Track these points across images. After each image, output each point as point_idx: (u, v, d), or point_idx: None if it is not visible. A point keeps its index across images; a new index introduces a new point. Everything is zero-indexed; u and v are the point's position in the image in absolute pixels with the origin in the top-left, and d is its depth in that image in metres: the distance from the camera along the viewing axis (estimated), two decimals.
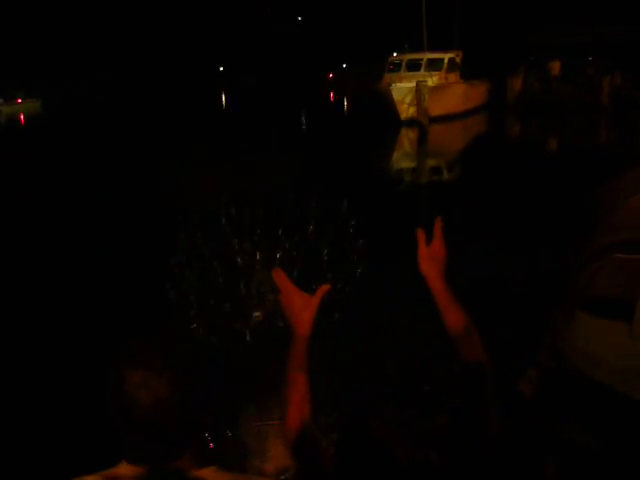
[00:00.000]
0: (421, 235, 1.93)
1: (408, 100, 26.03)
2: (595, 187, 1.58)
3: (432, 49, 30.26)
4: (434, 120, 26.27)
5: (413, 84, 25.97)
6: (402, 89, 26.05)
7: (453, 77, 29.38)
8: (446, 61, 28.92)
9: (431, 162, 20.24)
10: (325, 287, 1.89)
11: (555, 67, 33.33)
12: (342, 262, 7.64)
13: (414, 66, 28.64)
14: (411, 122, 26.09)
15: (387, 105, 26.85)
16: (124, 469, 1.48)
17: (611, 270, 1.39)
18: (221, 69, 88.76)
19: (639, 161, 1.53)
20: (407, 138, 24.89)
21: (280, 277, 1.90)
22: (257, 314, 6.84)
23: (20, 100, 59.13)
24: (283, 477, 4.29)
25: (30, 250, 10.33)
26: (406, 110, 26.23)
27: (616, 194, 1.52)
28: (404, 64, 29.19)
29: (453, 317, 1.83)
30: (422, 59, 28.91)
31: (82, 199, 14.63)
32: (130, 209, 13.19)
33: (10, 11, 68.45)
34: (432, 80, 27.16)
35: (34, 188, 16.51)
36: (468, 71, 30.96)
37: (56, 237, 11.13)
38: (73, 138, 29.99)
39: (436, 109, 26.47)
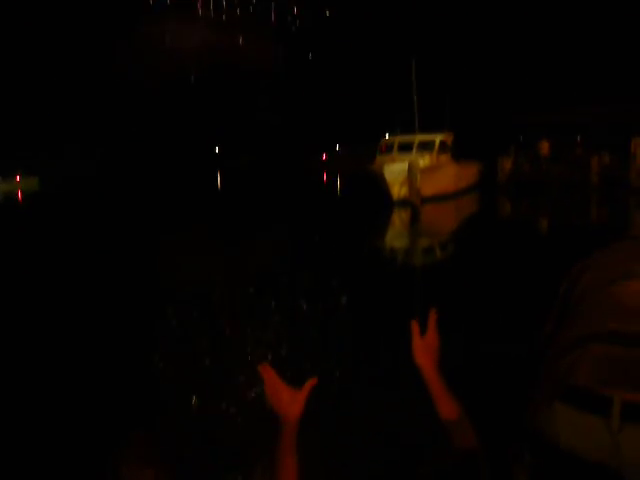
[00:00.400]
0: (415, 327, 1.95)
1: (400, 181, 26.38)
2: (568, 267, 1.57)
3: (423, 131, 30.87)
4: (426, 200, 26.55)
5: (405, 165, 26.35)
6: (394, 170, 26.44)
7: (444, 158, 29.84)
8: (437, 142, 29.41)
9: (424, 242, 20.35)
10: (312, 381, 1.90)
11: (544, 147, 33.98)
12: (334, 346, 7.60)
13: (406, 147, 29.10)
14: (404, 202, 26.36)
15: (380, 186, 27.20)
16: None
17: (591, 361, 1.38)
18: (217, 150, 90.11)
19: (623, 239, 1.52)
20: (400, 218, 25.10)
21: (268, 373, 1.91)
22: (248, 394, 6.76)
23: (18, 178, 59.74)
24: None
25: (22, 333, 10.25)
26: (398, 191, 26.55)
27: (596, 276, 1.50)
28: (396, 145, 29.66)
29: (446, 406, 1.85)
30: (414, 141, 29.41)
31: (75, 277, 14.61)
32: (124, 288, 13.17)
33: (10, 89, 69.77)
34: (424, 161, 27.61)
35: (25, 267, 16.51)
36: (459, 152, 31.49)
37: (47, 314, 11.07)
38: (69, 216, 30.22)
39: (428, 189, 26.80)
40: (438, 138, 29.70)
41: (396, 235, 22.21)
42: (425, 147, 28.95)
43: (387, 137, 32.75)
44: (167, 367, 7.23)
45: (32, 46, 65.50)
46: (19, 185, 57.70)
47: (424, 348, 1.93)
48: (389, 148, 29.99)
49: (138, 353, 8.17)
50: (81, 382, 7.76)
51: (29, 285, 14.06)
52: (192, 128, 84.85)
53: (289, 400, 1.86)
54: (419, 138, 29.64)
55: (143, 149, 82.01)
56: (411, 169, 26.14)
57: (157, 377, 7.02)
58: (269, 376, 1.91)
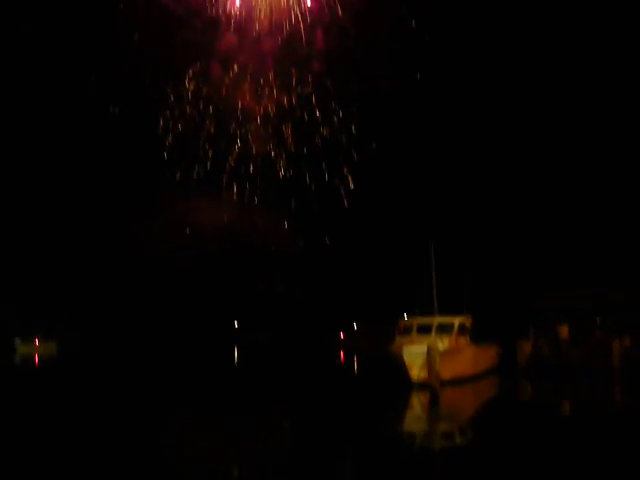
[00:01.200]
0: None
1: (419, 363, 26.24)
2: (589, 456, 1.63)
3: (442, 312, 31.08)
4: (445, 383, 26.26)
5: (424, 348, 26.34)
6: (413, 352, 26.41)
7: (463, 341, 29.84)
8: (456, 325, 29.52)
9: (443, 426, 19.98)
10: None
11: (563, 331, 33.88)
12: None
13: (425, 329, 29.16)
14: (422, 385, 26.09)
15: (398, 367, 27.04)
16: None
17: None
18: (236, 325, 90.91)
19: None
20: (418, 401, 24.75)
21: None
22: None
23: (37, 341, 60.09)
24: None
25: None
26: (417, 373, 26.33)
27: None
28: (415, 327, 29.73)
29: None
30: (433, 323, 29.51)
31: (78, 448, 14.42)
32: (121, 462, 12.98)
33: (34, 255, 71.53)
34: (443, 344, 27.64)
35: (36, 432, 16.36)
36: (478, 334, 31.51)
37: None
38: (82, 384, 30.18)
39: (447, 372, 26.57)
40: (457, 320, 29.85)
41: (415, 418, 21.82)
42: (444, 329, 29.03)
43: (406, 318, 32.99)
44: None
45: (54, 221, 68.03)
46: (37, 349, 57.98)
47: None
48: (408, 329, 30.08)
49: None
50: None
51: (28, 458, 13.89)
52: (212, 302, 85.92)
53: None
54: (438, 320, 29.78)
55: (163, 320, 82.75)
56: (430, 352, 26.10)
57: None
58: None
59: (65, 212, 66.84)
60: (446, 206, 51.32)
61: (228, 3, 31.75)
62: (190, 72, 36.55)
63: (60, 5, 36.95)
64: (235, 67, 36.33)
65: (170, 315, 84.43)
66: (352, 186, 40.31)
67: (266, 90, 36.22)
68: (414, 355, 26.43)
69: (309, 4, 31.31)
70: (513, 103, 49.21)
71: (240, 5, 31.59)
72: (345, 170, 39.71)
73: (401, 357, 26.68)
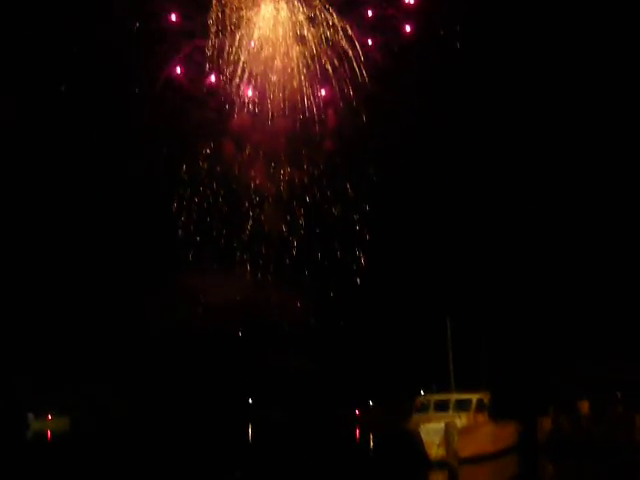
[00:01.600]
0: None
1: (437, 441, 25.69)
2: None
3: (459, 388, 30.66)
4: (464, 462, 25.68)
5: (442, 425, 25.87)
6: (431, 430, 25.91)
7: (482, 418, 29.32)
8: (474, 402, 29.06)
9: None
10: None
11: (584, 406, 33.24)
12: None
13: (442, 407, 28.73)
14: (441, 464, 25.52)
15: (415, 445, 26.50)
16: None
17: None
18: (250, 401, 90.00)
19: None
20: None
21: None
22: None
23: (50, 417, 59.65)
24: None
25: None
26: (435, 451, 25.77)
27: None
28: (432, 404, 29.29)
29: None
30: (450, 400, 29.10)
31: None
32: None
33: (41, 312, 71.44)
34: (461, 421, 27.15)
35: None
36: (497, 411, 30.97)
37: None
38: (93, 462, 29.93)
39: (466, 450, 25.99)
40: (475, 397, 29.40)
41: None
42: (462, 406, 28.57)
43: (422, 394, 32.57)
44: None
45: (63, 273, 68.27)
46: (50, 424, 57.53)
47: None
48: (425, 406, 29.65)
49: None
50: None
51: None
52: (226, 378, 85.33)
53: None
54: (455, 397, 29.37)
55: (176, 395, 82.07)
56: (448, 429, 25.61)
57: None
58: None
59: (83, 287, 67.24)
60: (462, 281, 51.18)
61: (242, 87, 32.72)
62: (204, 151, 37.36)
63: (76, 85, 37.96)
64: (248, 146, 37.15)
65: (184, 391, 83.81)
66: (364, 263, 40.60)
67: (279, 169, 36.95)
68: (432, 433, 25.92)
69: (323, 93, 32.27)
70: (531, 174, 49.39)
71: (253, 91, 32.54)
72: (357, 249, 40.12)
73: (418, 435, 26.16)
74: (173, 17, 32.53)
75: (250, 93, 33.98)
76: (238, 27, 32.62)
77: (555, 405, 34.53)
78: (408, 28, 33.09)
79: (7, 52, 39.36)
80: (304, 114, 34.82)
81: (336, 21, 32.51)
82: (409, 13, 32.95)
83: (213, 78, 34.14)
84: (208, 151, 37.44)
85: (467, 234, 51.31)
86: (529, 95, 44.68)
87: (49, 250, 61.20)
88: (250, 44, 32.93)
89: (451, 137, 43.24)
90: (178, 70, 33.96)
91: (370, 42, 33.28)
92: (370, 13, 32.90)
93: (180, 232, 39.15)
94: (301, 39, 33.14)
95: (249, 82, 33.90)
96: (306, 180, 37.61)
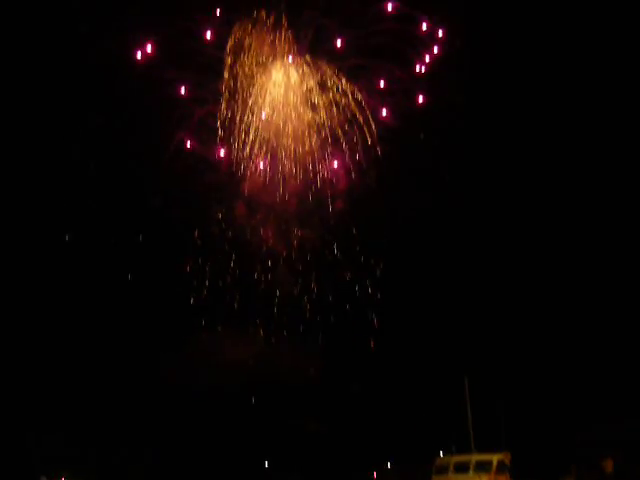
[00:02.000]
0: None
1: None
2: None
3: (479, 449, 30.24)
4: None
5: None
6: None
7: (503, 478, 28.80)
8: (495, 462, 28.52)
9: None
10: None
11: (608, 465, 32.52)
12: None
13: (462, 468, 28.30)
14: None
15: None
16: None
17: None
18: (266, 464, 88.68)
19: None
20: None
21: None
22: None
23: None
24: None
25: None
26: None
27: None
28: (452, 466, 28.85)
29: None
30: (470, 461, 28.67)
31: None
32: None
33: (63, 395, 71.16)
34: None
35: None
36: (518, 471, 30.46)
37: None
38: None
39: None
40: (495, 458, 28.88)
41: None
42: (483, 467, 28.08)
43: (442, 455, 32.16)
44: None
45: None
46: None
47: None
48: (444, 468, 29.19)
49: None
50: None
51: None
52: (241, 441, 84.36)
53: None
54: (476, 458, 28.91)
55: (192, 458, 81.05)
56: None
57: None
58: None
59: (96, 357, 67.30)
60: (480, 340, 50.80)
61: (254, 155, 33.27)
62: (216, 215, 37.75)
63: (87, 152, 38.49)
64: (260, 209, 37.55)
65: (200, 454, 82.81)
66: (376, 326, 40.65)
67: (290, 231, 37.28)
68: None
69: (335, 165, 32.84)
70: (552, 237, 49.23)
71: (264, 158, 33.08)
72: (370, 312, 40.22)
73: None
74: (182, 90, 33.15)
75: (262, 164, 34.60)
76: (250, 94, 33.35)
77: (578, 464, 33.94)
78: (421, 99, 33.67)
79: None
80: (315, 177, 35.36)
81: (346, 86, 33.25)
82: (420, 81, 33.58)
83: (224, 150, 34.71)
84: (220, 215, 37.87)
85: (484, 292, 51.10)
86: (543, 157, 44.75)
87: (70, 320, 61.56)
88: (262, 112, 33.63)
89: (466, 195, 43.33)
90: (189, 143, 34.56)
91: (384, 111, 33.89)
92: (382, 83, 33.52)
93: (192, 299, 39.41)
94: (312, 105, 33.86)
95: (260, 148, 34.51)
96: (317, 242, 37.95)
